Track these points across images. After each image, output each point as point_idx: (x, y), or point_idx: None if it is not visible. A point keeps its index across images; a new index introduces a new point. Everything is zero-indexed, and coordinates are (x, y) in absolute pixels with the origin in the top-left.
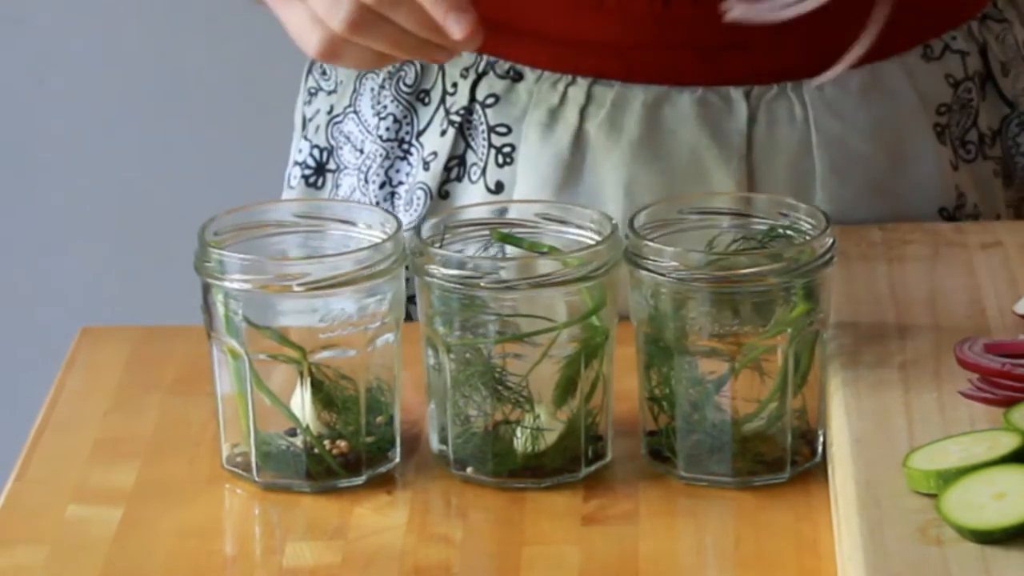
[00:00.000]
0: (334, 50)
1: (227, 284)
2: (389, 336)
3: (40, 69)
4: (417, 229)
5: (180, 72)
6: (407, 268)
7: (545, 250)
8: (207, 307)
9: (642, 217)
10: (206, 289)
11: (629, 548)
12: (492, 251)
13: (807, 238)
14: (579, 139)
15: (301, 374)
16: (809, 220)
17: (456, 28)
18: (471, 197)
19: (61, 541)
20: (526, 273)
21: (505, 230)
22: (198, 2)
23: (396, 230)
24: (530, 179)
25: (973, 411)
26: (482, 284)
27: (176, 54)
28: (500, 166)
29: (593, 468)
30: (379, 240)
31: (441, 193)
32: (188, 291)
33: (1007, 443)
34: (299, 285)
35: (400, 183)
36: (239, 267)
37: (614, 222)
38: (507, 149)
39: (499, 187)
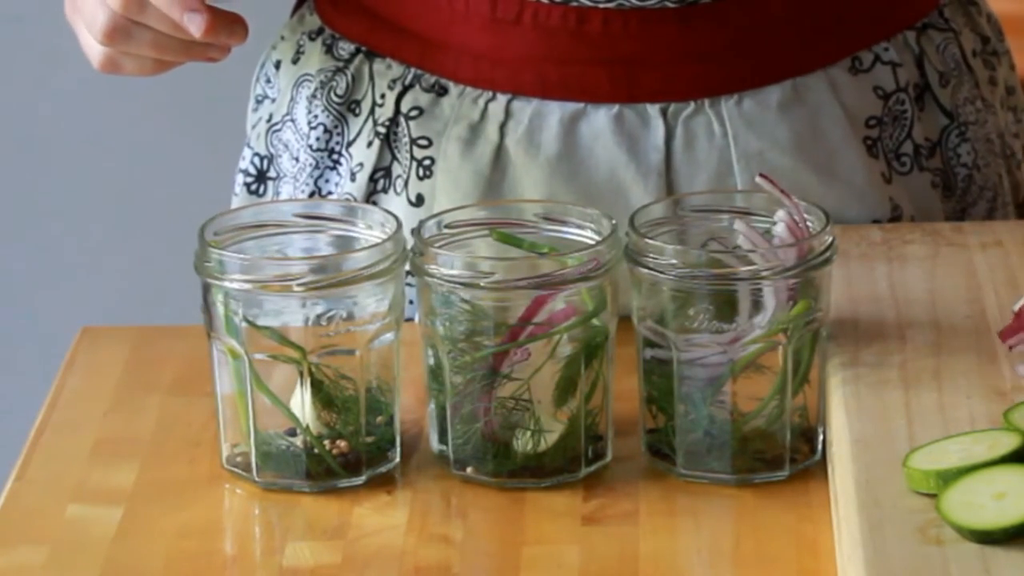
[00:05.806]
0: (112, 62)
1: (227, 284)
2: (389, 336)
3: (40, 69)
4: (417, 229)
5: (183, 71)
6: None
7: (545, 250)
8: (207, 307)
9: (643, 215)
10: (206, 289)
11: (629, 548)
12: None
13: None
14: (500, 156)
15: (301, 374)
16: (809, 217)
17: (192, 26)
18: (396, 209)
19: (61, 541)
20: (526, 273)
21: (505, 230)
22: None
23: (396, 230)
24: (450, 194)
25: (973, 411)
26: (482, 284)
27: None
28: (420, 179)
29: (593, 468)
30: (379, 240)
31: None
32: (188, 291)
33: (1007, 443)
34: (299, 285)
35: (329, 193)
36: (239, 267)
37: (613, 222)
38: (427, 162)
39: (419, 200)
